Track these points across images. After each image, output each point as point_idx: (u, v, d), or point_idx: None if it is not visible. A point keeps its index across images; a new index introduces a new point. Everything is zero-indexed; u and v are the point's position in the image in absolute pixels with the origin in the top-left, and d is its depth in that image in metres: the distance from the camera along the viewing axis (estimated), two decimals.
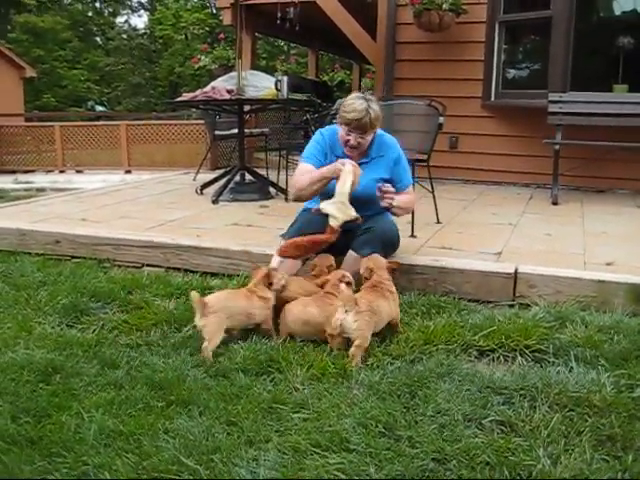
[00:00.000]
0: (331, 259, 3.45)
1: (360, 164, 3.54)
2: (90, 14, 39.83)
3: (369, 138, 3.59)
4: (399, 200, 3.53)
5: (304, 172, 3.59)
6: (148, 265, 4.26)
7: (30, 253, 4.52)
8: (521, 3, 7.28)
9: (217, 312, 2.96)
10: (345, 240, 3.45)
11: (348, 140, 3.55)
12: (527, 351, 2.90)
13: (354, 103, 3.48)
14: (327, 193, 3.43)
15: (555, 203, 6.07)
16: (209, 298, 3.03)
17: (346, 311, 2.88)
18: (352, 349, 2.81)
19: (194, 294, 2.97)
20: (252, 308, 3.09)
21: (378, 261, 3.25)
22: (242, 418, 2.34)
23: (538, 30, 7.45)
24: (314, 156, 3.63)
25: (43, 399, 2.49)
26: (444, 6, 6.78)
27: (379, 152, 3.68)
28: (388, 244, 3.53)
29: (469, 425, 2.30)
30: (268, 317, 3.13)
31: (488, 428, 2.29)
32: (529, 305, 3.46)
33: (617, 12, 7.14)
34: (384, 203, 3.46)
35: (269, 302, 3.15)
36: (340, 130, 3.61)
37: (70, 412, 2.40)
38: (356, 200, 3.35)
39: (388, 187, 3.48)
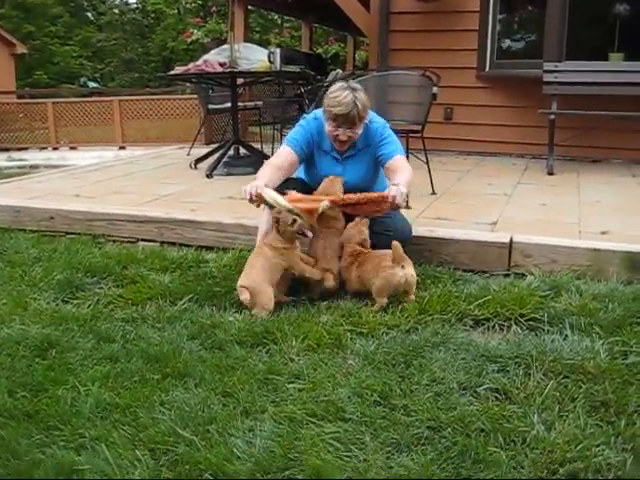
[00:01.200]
0: (339, 180, 3.42)
1: (348, 157, 3.54)
2: None
3: (359, 131, 3.42)
4: (405, 185, 3.22)
5: (281, 155, 3.52)
6: (143, 240, 4.25)
7: (24, 230, 4.49)
8: None
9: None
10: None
11: (337, 135, 3.40)
12: (522, 320, 2.91)
13: (339, 96, 3.31)
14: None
15: (550, 173, 6.05)
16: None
17: (402, 267, 3.05)
18: (412, 297, 3.11)
19: None
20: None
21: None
22: (238, 389, 2.34)
23: None
24: (297, 141, 3.50)
25: (39, 373, 2.49)
26: None
27: (366, 142, 3.52)
28: (406, 242, 3.35)
29: (464, 393, 2.31)
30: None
31: (483, 396, 2.30)
32: (524, 274, 3.46)
33: None
34: (399, 201, 3.16)
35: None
36: (325, 124, 3.43)
37: (66, 386, 2.40)
38: (350, 192, 3.34)
39: (390, 194, 3.17)
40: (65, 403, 2.28)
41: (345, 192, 3.34)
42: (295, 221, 3.13)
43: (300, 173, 3.72)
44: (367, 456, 1.97)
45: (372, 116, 3.53)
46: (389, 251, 3.08)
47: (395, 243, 3.03)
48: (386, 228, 3.39)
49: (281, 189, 3.36)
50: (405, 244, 3.22)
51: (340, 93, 3.33)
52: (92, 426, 2.15)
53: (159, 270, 3.64)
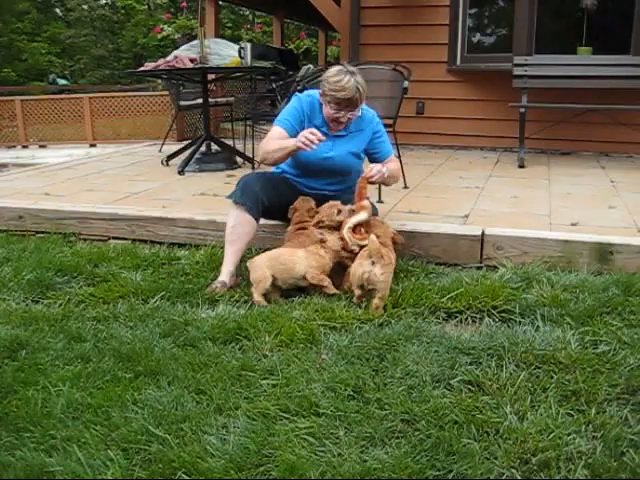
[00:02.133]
0: (312, 202, 3.49)
1: (338, 136, 3.57)
2: None
3: (358, 113, 3.51)
4: (388, 169, 3.46)
5: (275, 136, 3.53)
6: (114, 238, 4.21)
7: None
8: None
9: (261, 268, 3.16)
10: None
11: (338, 117, 3.46)
12: (494, 312, 2.93)
13: (341, 80, 3.36)
14: (298, 160, 3.53)
15: (521, 166, 6.10)
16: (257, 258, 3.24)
17: (373, 263, 2.96)
18: (376, 301, 2.94)
19: None
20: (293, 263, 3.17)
21: (378, 246, 3.12)
22: (211, 386, 2.33)
23: None
24: (288, 122, 3.55)
25: (8, 375, 2.45)
26: None
27: (358, 126, 3.61)
28: None
29: (437, 386, 2.32)
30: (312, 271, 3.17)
31: (456, 388, 2.31)
32: (496, 267, 3.49)
33: None
34: (377, 179, 3.40)
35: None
36: (324, 106, 3.49)
37: (37, 387, 2.37)
38: (332, 171, 3.52)
39: (373, 168, 3.39)
40: (35, 404, 2.25)
41: (327, 168, 3.49)
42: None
43: None
44: (341, 450, 1.97)
45: (363, 106, 3.60)
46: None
47: (372, 237, 3.01)
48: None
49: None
50: None
51: (342, 77, 3.37)
52: (63, 427, 2.12)
53: (131, 268, 3.61)
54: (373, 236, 3.02)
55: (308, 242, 3.31)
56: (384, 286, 2.97)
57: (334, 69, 3.47)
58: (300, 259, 3.16)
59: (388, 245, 3.21)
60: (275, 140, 3.50)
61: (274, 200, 3.53)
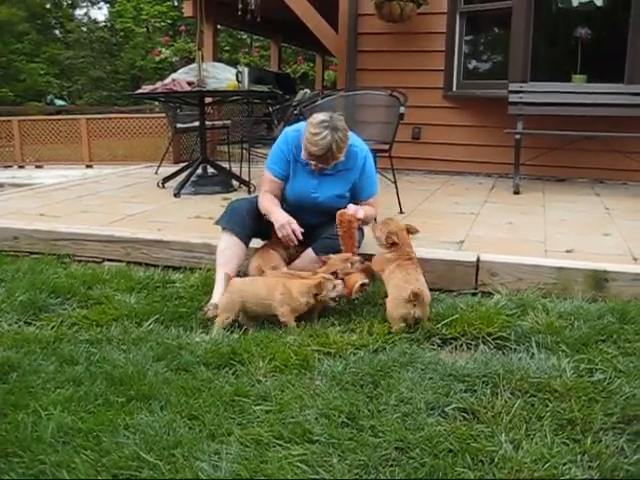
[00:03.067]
0: (277, 258, 3.56)
1: (325, 175, 3.56)
2: (48, 6, 39.04)
3: (341, 158, 3.44)
4: (363, 215, 3.46)
5: (267, 187, 3.63)
6: (109, 260, 4.20)
7: None
8: None
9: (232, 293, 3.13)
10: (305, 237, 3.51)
11: (315, 164, 3.46)
12: (489, 338, 2.92)
13: (318, 134, 3.29)
14: (286, 197, 3.66)
15: (517, 192, 6.12)
16: (234, 279, 3.22)
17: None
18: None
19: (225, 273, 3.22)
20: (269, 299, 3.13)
21: (397, 224, 3.32)
22: (204, 412, 2.31)
23: (498, 21, 7.52)
24: (275, 168, 3.62)
25: None
26: None
27: (346, 165, 3.55)
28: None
29: (432, 413, 2.30)
30: (286, 310, 3.11)
31: (451, 416, 2.29)
32: (491, 293, 3.48)
33: (575, 3, 7.19)
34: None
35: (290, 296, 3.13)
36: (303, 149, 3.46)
37: (27, 410, 2.34)
38: (318, 209, 3.55)
39: (347, 212, 3.41)
40: (25, 428, 2.22)
41: (313, 206, 3.52)
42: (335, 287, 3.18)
43: None
44: (335, 478, 1.95)
45: (353, 140, 3.54)
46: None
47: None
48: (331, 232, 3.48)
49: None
50: None
51: (320, 132, 3.30)
52: (53, 452, 2.09)
53: (125, 290, 3.59)
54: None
55: (275, 259, 3.51)
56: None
57: (319, 117, 3.38)
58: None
59: (408, 243, 3.33)
60: (266, 201, 3.58)
61: (263, 223, 3.55)
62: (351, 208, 3.43)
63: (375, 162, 3.90)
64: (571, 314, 3.13)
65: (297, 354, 2.72)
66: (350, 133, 3.46)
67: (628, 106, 6.25)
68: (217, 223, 3.57)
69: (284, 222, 3.43)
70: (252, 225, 3.53)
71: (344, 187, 3.61)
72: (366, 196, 3.66)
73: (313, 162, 3.44)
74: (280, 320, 3.10)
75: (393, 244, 3.25)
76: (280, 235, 3.44)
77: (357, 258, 3.35)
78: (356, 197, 3.64)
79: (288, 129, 3.68)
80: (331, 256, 3.35)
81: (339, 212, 3.40)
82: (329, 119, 3.34)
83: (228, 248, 3.48)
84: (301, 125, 3.60)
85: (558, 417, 2.26)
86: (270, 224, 3.51)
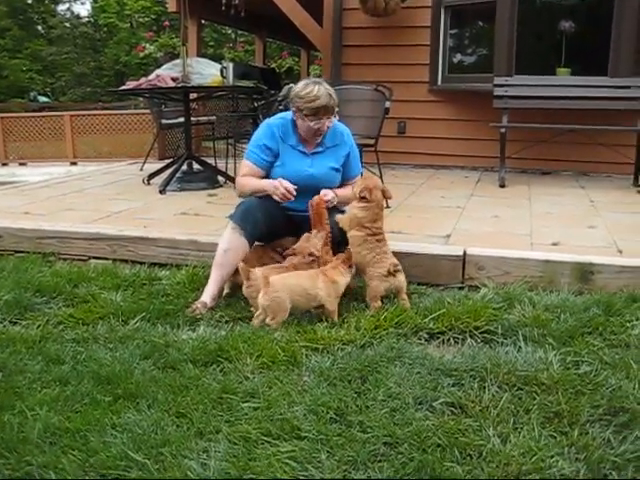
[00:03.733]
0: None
1: (316, 153, 3.60)
2: (30, 1, 38.69)
3: (335, 119, 3.59)
4: (340, 196, 3.56)
5: (246, 171, 3.63)
6: (94, 257, 4.17)
7: None
8: None
9: (280, 291, 3.03)
10: (300, 225, 3.51)
11: (319, 128, 3.50)
12: (476, 332, 2.93)
13: (312, 91, 3.44)
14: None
15: (502, 186, 6.15)
16: (273, 277, 3.08)
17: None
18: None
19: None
20: (315, 289, 3.10)
21: (375, 182, 3.44)
22: (191, 409, 2.30)
23: (483, 15, 7.53)
24: (256, 154, 3.60)
25: None
26: None
27: (333, 141, 3.66)
28: (343, 239, 3.46)
29: (420, 408, 2.31)
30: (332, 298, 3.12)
31: (439, 410, 2.30)
32: (478, 287, 3.49)
33: None
34: (329, 204, 3.48)
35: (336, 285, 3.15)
36: (301, 122, 3.52)
37: (13, 411, 2.32)
38: (316, 188, 3.49)
39: (327, 193, 3.49)
40: (12, 429, 2.20)
41: (310, 185, 3.49)
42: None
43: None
44: (324, 475, 1.94)
45: (334, 122, 3.63)
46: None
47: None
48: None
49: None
50: (341, 245, 3.44)
51: (312, 88, 3.45)
52: (40, 452, 2.07)
53: (111, 288, 3.57)
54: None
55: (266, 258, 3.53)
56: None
57: (300, 84, 3.55)
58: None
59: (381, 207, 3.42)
60: (249, 180, 3.60)
61: (271, 228, 3.53)
62: (329, 193, 3.49)
63: (361, 156, 3.92)
64: (557, 307, 3.15)
65: (285, 350, 2.72)
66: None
67: (612, 99, 6.28)
68: (230, 218, 3.51)
69: (276, 184, 3.45)
70: (263, 228, 3.50)
71: (337, 160, 3.66)
72: (353, 175, 3.74)
73: (321, 123, 3.48)
74: (326, 310, 3.11)
75: (364, 198, 3.33)
76: (278, 196, 3.42)
77: (321, 233, 3.37)
78: (343, 176, 3.71)
79: (269, 120, 3.71)
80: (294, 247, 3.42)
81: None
82: (308, 80, 3.56)
83: (231, 250, 3.39)
84: (284, 114, 3.69)
85: (545, 410, 2.28)
86: (278, 227, 3.54)
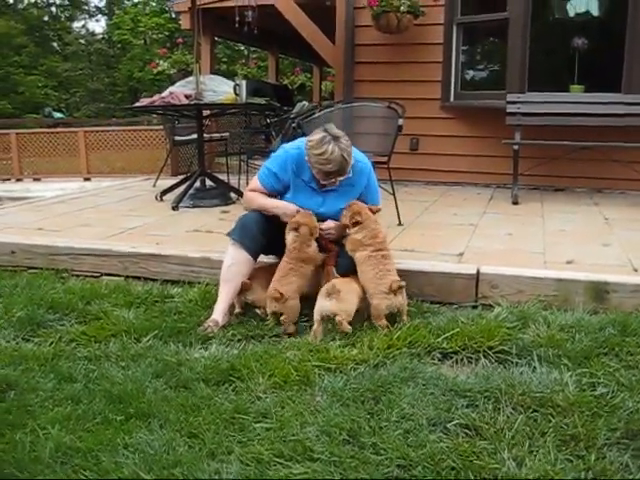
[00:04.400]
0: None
1: (328, 191, 3.55)
2: (46, 19, 39.19)
3: (349, 174, 3.46)
4: (327, 225, 3.53)
5: (254, 187, 3.62)
6: (107, 274, 4.17)
7: None
8: (478, 5, 7.34)
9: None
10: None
11: (327, 184, 3.48)
12: (490, 352, 2.90)
13: (325, 152, 3.26)
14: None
15: (515, 203, 6.12)
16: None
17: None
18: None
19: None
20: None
21: (358, 205, 3.43)
22: (203, 430, 2.28)
23: (495, 31, 7.53)
24: (267, 178, 3.58)
25: None
26: (402, 8, 6.79)
27: (350, 181, 3.52)
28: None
29: (434, 429, 2.28)
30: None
31: (453, 432, 2.27)
32: (492, 306, 3.46)
33: (571, 14, 7.23)
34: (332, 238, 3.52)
35: None
36: (314, 172, 3.44)
37: (25, 430, 2.31)
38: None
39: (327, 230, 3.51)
40: (23, 448, 2.19)
41: (322, 220, 3.49)
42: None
43: None
44: None
45: (356, 154, 3.51)
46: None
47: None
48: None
49: None
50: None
51: (326, 149, 3.27)
52: (51, 472, 2.06)
53: (123, 306, 3.57)
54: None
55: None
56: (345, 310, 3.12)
57: (316, 137, 3.33)
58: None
59: (373, 220, 3.41)
60: (258, 197, 3.60)
61: (272, 238, 3.50)
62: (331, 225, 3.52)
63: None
64: (572, 326, 3.11)
65: (297, 370, 2.70)
66: (352, 147, 3.44)
67: (626, 115, 6.25)
68: (229, 235, 3.51)
69: (288, 213, 3.46)
70: (262, 240, 3.49)
71: (348, 200, 3.57)
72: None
73: (331, 180, 3.44)
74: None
75: (357, 223, 3.35)
76: (289, 217, 3.43)
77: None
78: None
79: (287, 146, 3.63)
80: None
81: None
82: (325, 133, 3.33)
83: (234, 264, 3.41)
84: (301, 142, 3.56)
85: (561, 433, 2.24)
86: (277, 238, 3.49)
